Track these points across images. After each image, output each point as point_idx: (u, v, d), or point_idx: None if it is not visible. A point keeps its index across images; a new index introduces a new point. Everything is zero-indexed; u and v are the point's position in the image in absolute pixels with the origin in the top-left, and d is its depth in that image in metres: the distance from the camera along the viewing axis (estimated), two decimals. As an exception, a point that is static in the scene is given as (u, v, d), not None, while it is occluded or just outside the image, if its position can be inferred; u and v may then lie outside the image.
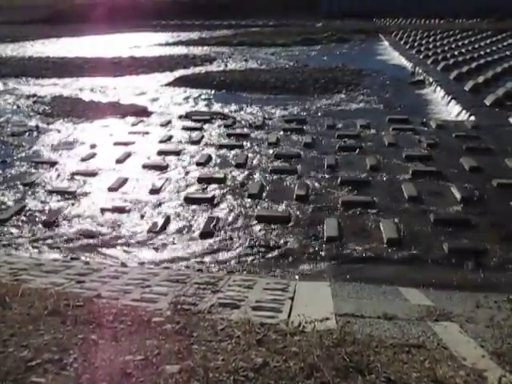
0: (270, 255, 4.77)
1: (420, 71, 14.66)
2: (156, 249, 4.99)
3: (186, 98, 12.59)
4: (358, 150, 7.66)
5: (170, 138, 8.68)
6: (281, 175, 6.71)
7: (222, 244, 5.03)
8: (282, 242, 4.99)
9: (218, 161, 7.43)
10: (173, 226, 5.44)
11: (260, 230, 5.25)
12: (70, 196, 6.27)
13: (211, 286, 3.47)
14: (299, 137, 8.50)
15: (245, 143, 8.20)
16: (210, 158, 7.55)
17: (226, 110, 11.07)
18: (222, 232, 5.26)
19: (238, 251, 4.87)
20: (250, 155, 7.59)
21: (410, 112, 10.16)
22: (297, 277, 4.32)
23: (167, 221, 5.54)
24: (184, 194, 6.22)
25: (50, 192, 6.41)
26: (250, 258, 4.73)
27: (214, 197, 6.09)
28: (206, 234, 5.21)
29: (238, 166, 7.14)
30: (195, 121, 9.83)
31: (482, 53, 17.30)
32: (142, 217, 5.67)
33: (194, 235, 5.24)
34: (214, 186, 6.45)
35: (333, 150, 7.69)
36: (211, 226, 5.35)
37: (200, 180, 6.65)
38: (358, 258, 4.65)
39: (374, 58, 18.82)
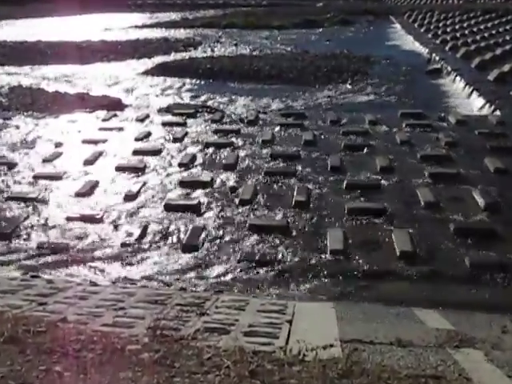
0: (264, 271, 4.79)
1: (437, 58, 14.80)
2: (131, 264, 5.00)
3: (167, 89, 12.63)
4: (366, 149, 7.72)
5: (147, 135, 8.70)
6: (277, 178, 6.72)
7: (208, 258, 5.04)
8: (278, 255, 5.01)
9: (204, 161, 7.46)
10: (151, 238, 5.45)
11: (253, 242, 5.27)
12: (30, 203, 6.25)
13: (196, 307, 3.48)
14: (298, 133, 8.54)
15: (235, 141, 8.23)
16: (194, 158, 7.57)
17: (213, 103, 11.11)
18: (209, 244, 5.27)
19: (227, 267, 4.88)
20: (241, 155, 7.62)
21: (425, 105, 10.24)
22: (296, 297, 4.33)
23: (144, 231, 5.55)
24: (164, 200, 6.23)
25: (7, 198, 6.39)
26: (241, 275, 4.74)
27: (199, 204, 6.10)
28: (190, 247, 5.22)
29: (228, 167, 7.16)
30: (177, 115, 9.85)
31: (508, 37, 17.46)
32: (116, 227, 5.67)
33: (176, 248, 5.25)
34: (199, 190, 6.46)
35: (337, 149, 7.72)
36: (196, 237, 5.37)
37: (183, 184, 6.66)
38: (367, 274, 4.67)
39: (383, 43, 19.01)
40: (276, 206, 5.94)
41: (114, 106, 10.79)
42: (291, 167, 7.10)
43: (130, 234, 5.48)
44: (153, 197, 6.35)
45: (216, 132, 8.73)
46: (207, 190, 6.43)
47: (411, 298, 4.26)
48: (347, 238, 5.21)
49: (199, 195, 6.34)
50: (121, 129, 9.05)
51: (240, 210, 5.91)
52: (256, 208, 5.96)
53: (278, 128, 8.85)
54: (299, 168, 7.04)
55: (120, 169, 7.21)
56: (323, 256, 4.96)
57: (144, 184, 6.71)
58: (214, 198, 6.26)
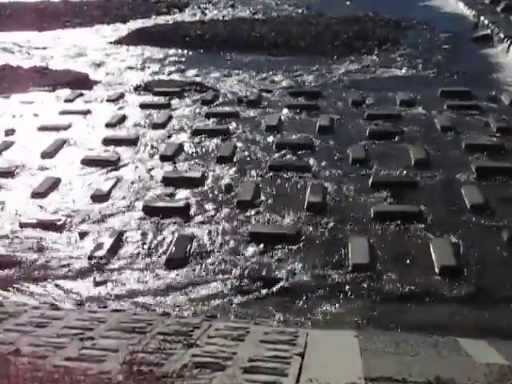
0: (269, 291, 4.77)
1: (486, 22, 14.75)
2: (102, 283, 4.98)
3: (146, 62, 12.66)
4: (397, 137, 7.72)
5: (122, 119, 8.72)
6: (285, 174, 6.72)
7: (198, 275, 5.03)
8: (286, 271, 5.00)
9: (193, 153, 7.46)
10: (127, 250, 5.44)
11: (255, 255, 5.26)
12: (-26, 205, 6.27)
13: (183, 337, 3.46)
14: (311, 118, 8.52)
15: (232, 127, 8.24)
16: (180, 148, 7.57)
17: (204, 79, 11.15)
18: (199, 258, 5.27)
19: (222, 286, 4.87)
20: (239, 145, 7.62)
21: (471, 82, 10.23)
22: (309, 323, 4.31)
23: (118, 241, 5.54)
24: (143, 201, 6.23)
25: None
26: (239, 296, 4.73)
27: (187, 206, 6.09)
28: (175, 261, 5.22)
29: (222, 160, 7.16)
30: (159, 94, 9.87)
31: None
32: (82, 235, 5.67)
33: (157, 262, 5.24)
34: (186, 189, 6.45)
35: (360, 137, 7.71)
36: (183, 249, 5.35)
37: (166, 181, 6.66)
38: (398, 294, 4.66)
39: (418, 4, 18.97)
40: (284, 209, 5.93)
41: (80, 83, 10.79)
42: (303, 160, 7.09)
43: (99, 245, 5.48)
44: (129, 197, 6.36)
45: (208, 116, 8.71)
46: (197, 189, 6.43)
47: (454, 324, 4.25)
48: (374, 248, 5.20)
49: (187, 195, 6.33)
50: (88, 112, 9.07)
51: (238, 214, 5.90)
52: (258, 212, 5.95)
53: (285, 111, 8.83)
54: (313, 161, 7.03)
55: (87, 162, 7.21)
56: (343, 272, 4.96)
57: (117, 181, 6.70)
58: (206, 198, 6.25)
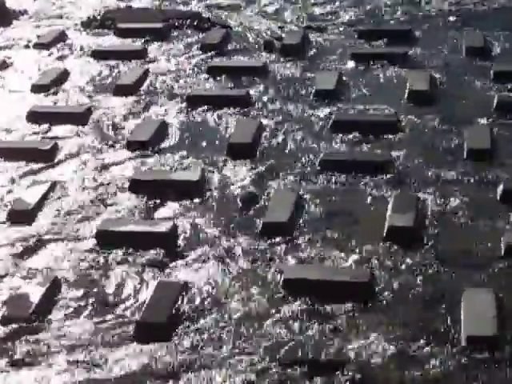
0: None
1: None
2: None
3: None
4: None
5: (61, 77, 8.83)
6: (348, 175, 6.78)
7: (200, 357, 4.89)
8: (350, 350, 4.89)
9: (184, 138, 7.58)
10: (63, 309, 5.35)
11: (306, 322, 5.15)
12: None
13: None
14: (396, 78, 8.65)
15: (254, 93, 8.27)
16: (162, 128, 7.63)
17: (205, 8, 11.18)
18: (200, 323, 5.15)
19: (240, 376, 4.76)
20: (267, 123, 7.64)
21: None
22: None
23: (53, 291, 5.47)
24: (97, 221, 6.26)
25: None
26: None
27: (173, 228, 6.08)
28: (152, 327, 5.12)
29: (237, 151, 7.22)
30: (126, 34, 10.06)
31: None
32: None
33: (125, 331, 5.15)
34: (173, 203, 6.50)
35: (483, 113, 7.81)
36: (171, 307, 5.26)
37: (135, 186, 6.71)
38: None
39: None
40: (345, 235, 5.97)
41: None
42: (382, 151, 7.17)
43: (17, 298, 5.48)
44: (72, 214, 6.41)
45: (211, 73, 8.79)
46: (191, 202, 6.50)
47: None
48: (503, 305, 5.22)
49: (175, 212, 6.40)
50: (3, 64, 9.27)
51: (264, 246, 5.93)
52: (300, 240, 5.97)
53: (350, 64, 8.95)
54: (398, 153, 7.10)
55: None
56: (458, 348, 4.84)
57: (50, 187, 6.76)
58: (208, 218, 6.30)
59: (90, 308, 5.44)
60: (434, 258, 5.84)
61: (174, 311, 5.25)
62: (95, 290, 5.59)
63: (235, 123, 7.70)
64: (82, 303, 5.47)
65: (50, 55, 9.40)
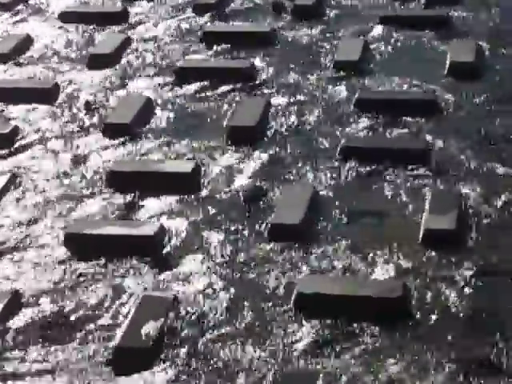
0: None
1: None
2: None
3: None
4: None
5: (23, 44, 8.94)
6: (374, 166, 6.81)
7: None
8: None
9: (174, 120, 7.65)
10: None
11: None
12: None
13: None
14: (435, 47, 8.67)
15: (261, 64, 8.32)
16: (146, 108, 7.69)
17: None
18: (191, 347, 5.05)
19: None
20: (275, 102, 7.68)
21: None
22: None
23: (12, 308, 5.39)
24: (66, 223, 6.29)
25: None
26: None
27: (160, 230, 6.10)
28: (133, 353, 5.05)
29: (238, 136, 7.26)
30: None
31: None
32: None
33: (100, 358, 5.04)
34: (161, 199, 6.55)
35: None
36: (158, 327, 5.17)
37: (114, 179, 6.81)
38: None
39: None
40: (368, 250, 5.90)
41: None
42: (416, 138, 7.15)
43: None
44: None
45: (207, 40, 8.86)
46: (186, 212, 6.46)
47: None
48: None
49: (169, 220, 6.36)
50: None
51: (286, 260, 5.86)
52: (315, 253, 5.91)
53: (378, 29, 8.98)
54: (436, 141, 7.09)
55: None
56: None
57: (10, 182, 6.79)
58: (203, 222, 6.24)
59: (55, 330, 5.38)
60: (480, 268, 5.82)
61: (160, 332, 5.18)
62: (64, 308, 5.53)
63: (236, 102, 7.76)
64: (46, 323, 5.41)
65: (10, 17, 9.49)
